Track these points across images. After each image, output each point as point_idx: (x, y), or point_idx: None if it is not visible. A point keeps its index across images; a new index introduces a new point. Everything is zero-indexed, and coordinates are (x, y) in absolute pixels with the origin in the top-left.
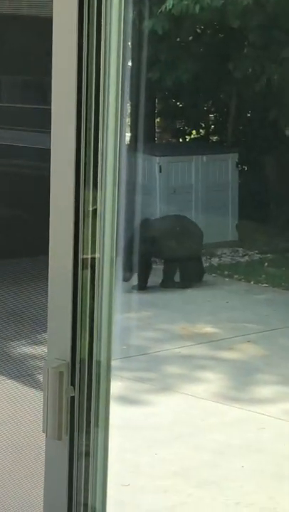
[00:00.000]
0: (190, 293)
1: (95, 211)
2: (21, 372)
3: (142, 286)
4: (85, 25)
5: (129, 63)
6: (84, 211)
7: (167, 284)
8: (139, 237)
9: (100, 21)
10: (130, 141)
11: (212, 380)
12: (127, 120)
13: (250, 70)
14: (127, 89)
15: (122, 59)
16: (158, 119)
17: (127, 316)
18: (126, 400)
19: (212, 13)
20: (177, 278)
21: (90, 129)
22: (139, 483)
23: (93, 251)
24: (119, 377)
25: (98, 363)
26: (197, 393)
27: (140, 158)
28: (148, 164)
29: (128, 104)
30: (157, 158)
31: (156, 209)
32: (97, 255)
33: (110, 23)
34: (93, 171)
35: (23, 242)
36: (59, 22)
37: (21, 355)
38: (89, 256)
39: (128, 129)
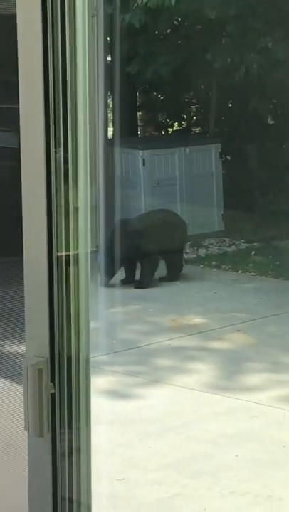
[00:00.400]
0: (178, 285)
1: (68, 208)
2: (14, 371)
3: (130, 281)
4: (49, 17)
5: (109, 58)
6: (56, 208)
7: (145, 281)
8: (121, 234)
9: (64, 13)
10: (113, 135)
11: (203, 371)
12: (109, 115)
13: (228, 60)
14: (104, 84)
15: (90, 52)
16: (140, 113)
17: (115, 310)
18: (117, 394)
19: (188, 5)
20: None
21: (58, 125)
22: (133, 477)
23: (68, 248)
24: (110, 372)
25: (77, 358)
26: (188, 384)
27: (123, 152)
28: (131, 158)
29: (109, 99)
30: (140, 152)
31: (140, 202)
32: (72, 252)
33: (75, 14)
34: (64, 168)
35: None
36: (23, 18)
37: (11, 353)
38: (63, 253)
39: (110, 123)
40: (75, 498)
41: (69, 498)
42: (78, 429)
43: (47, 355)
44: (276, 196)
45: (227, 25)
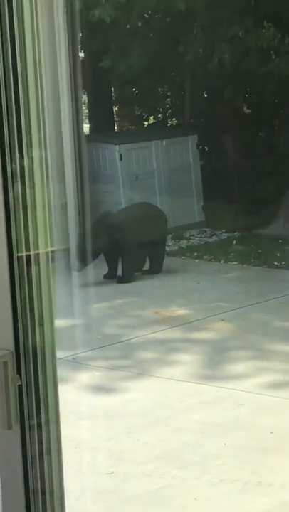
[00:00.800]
0: (160, 278)
1: (27, 208)
2: None
3: (113, 275)
4: None
5: (81, 54)
6: (15, 209)
7: (127, 276)
8: (101, 229)
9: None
10: (90, 131)
11: (188, 362)
12: (85, 111)
13: (200, 50)
14: (78, 80)
15: (54, 49)
16: (116, 108)
17: (99, 306)
18: (104, 389)
19: None
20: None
21: (12, 126)
22: (122, 470)
23: (28, 248)
24: (96, 367)
25: (43, 350)
26: (174, 376)
27: (100, 147)
28: (108, 153)
29: (84, 95)
30: (117, 147)
31: (119, 197)
32: (32, 252)
33: (23, 12)
34: (20, 168)
35: None
36: None
37: None
38: (24, 254)
39: (86, 119)
40: (47, 489)
41: (41, 490)
42: (47, 419)
43: (11, 347)
44: (255, 185)
45: (197, 16)
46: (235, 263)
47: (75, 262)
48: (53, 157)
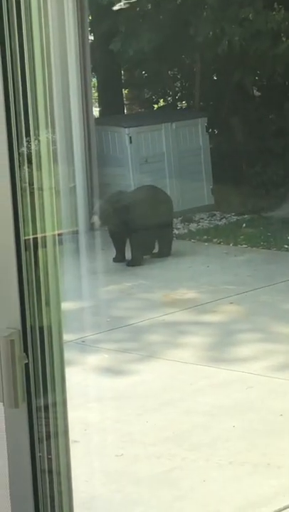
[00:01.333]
0: (170, 261)
1: (33, 190)
2: None
3: (122, 259)
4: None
5: (91, 37)
6: (22, 192)
7: (136, 259)
8: (111, 211)
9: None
10: (99, 114)
11: (198, 345)
12: (95, 94)
13: (210, 33)
14: (87, 63)
15: (64, 32)
16: (126, 91)
17: (108, 288)
18: (113, 371)
19: None
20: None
21: (19, 109)
22: (132, 452)
23: (35, 231)
24: (105, 349)
25: (50, 330)
26: (184, 358)
27: (109, 130)
28: (118, 136)
29: (94, 78)
30: (126, 130)
31: (129, 180)
32: (39, 235)
33: None
34: (27, 151)
35: None
36: None
37: None
38: (31, 237)
39: (96, 102)
40: (54, 469)
41: (48, 470)
42: (54, 398)
43: (19, 326)
44: (264, 167)
45: None
46: (244, 246)
47: None
48: (62, 140)
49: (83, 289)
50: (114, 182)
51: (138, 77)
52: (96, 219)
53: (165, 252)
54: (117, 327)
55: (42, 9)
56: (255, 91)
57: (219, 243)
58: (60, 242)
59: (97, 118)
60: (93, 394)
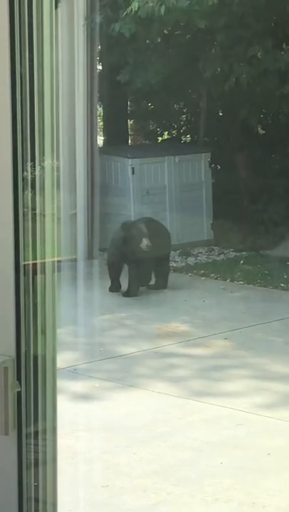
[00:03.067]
0: (166, 293)
1: (35, 216)
2: None
3: (117, 288)
4: (17, 33)
5: (99, 67)
6: (24, 217)
7: (132, 290)
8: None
9: (32, 30)
10: (103, 143)
11: (189, 379)
12: (100, 123)
13: (218, 69)
14: (94, 93)
15: (73, 60)
16: (131, 122)
17: (103, 318)
18: (103, 401)
19: (178, 14)
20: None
21: (26, 136)
22: (118, 484)
23: (35, 257)
24: (96, 379)
25: (44, 358)
26: (174, 392)
27: (113, 160)
28: (121, 166)
29: (100, 108)
30: (130, 160)
31: (130, 211)
32: (38, 261)
33: (42, 27)
34: (31, 177)
35: None
36: None
37: None
38: (30, 262)
39: (101, 132)
40: (41, 497)
41: (35, 498)
42: (44, 427)
43: (13, 354)
44: (265, 205)
45: (217, 34)
46: (241, 282)
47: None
48: (65, 167)
49: (78, 317)
50: (115, 212)
51: (144, 109)
52: (147, 241)
53: (161, 285)
54: (110, 357)
55: (53, 37)
56: (259, 129)
57: (216, 278)
58: (58, 269)
59: (101, 147)
60: (82, 423)
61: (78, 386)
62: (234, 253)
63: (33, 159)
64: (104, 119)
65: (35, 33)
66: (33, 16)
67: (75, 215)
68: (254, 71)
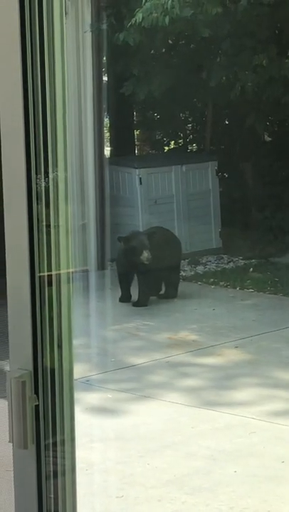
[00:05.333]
0: (176, 302)
1: (49, 227)
2: None
3: (127, 299)
4: (28, 44)
5: (105, 78)
6: (38, 228)
7: (143, 300)
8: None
9: (43, 38)
10: (110, 154)
11: (200, 387)
12: (106, 134)
13: (224, 78)
14: (100, 103)
15: (79, 71)
16: (137, 132)
17: (114, 328)
18: (116, 412)
19: (182, 24)
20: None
21: (39, 147)
22: (132, 494)
23: (49, 268)
24: (109, 390)
25: (61, 371)
26: (186, 401)
27: (120, 171)
28: (128, 177)
29: (106, 118)
30: (137, 171)
31: (138, 221)
32: (53, 272)
33: (53, 38)
34: (45, 189)
35: None
36: (1, 38)
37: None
38: (45, 273)
39: (108, 142)
40: (60, 510)
41: (54, 511)
42: (62, 440)
43: (30, 367)
44: (273, 212)
45: (221, 43)
46: (251, 290)
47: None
48: (73, 178)
49: (89, 328)
50: (124, 222)
51: (150, 119)
52: (148, 253)
53: (171, 294)
54: (121, 367)
55: (64, 48)
56: (266, 137)
57: (226, 286)
58: (72, 280)
59: (108, 158)
60: (95, 434)
61: (91, 397)
62: (243, 261)
63: (46, 172)
64: (111, 130)
65: (46, 44)
66: (44, 28)
67: (83, 225)
68: (259, 79)
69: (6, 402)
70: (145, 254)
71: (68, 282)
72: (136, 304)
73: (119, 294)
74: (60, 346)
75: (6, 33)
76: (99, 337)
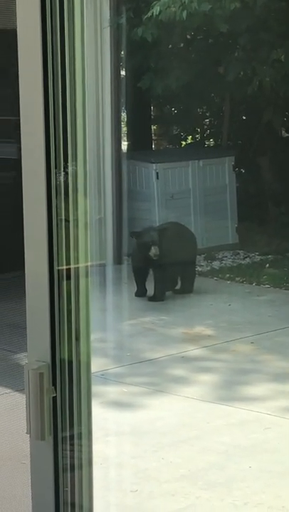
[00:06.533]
0: (192, 297)
1: (69, 222)
2: None
3: (143, 293)
4: (49, 34)
5: (123, 72)
6: (57, 222)
7: (158, 295)
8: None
9: (64, 30)
10: (127, 149)
11: (216, 383)
12: (124, 128)
13: (241, 73)
14: (118, 98)
15: (98, 66)
16: (154, 126)
17: (130, 323)
18: (131, 406)
19: (200, 19)
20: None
21: (58, 141)
22: (147, 488)
23: (68, 262)
24: (124, 384)
25: (78, 362)
26: (202, 396)
27: (137, 165)
28: (145, 171)
29: (124, 113)
30: (154, 165)
31: (154, 215)
32: (72, 266)
33: (74, 30)
34: (64, 182)
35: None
36: (23, 32)
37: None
38: (64, 267)
39: (125, 137)
40: (77, 502)
41: (71, 503)
42: (80, 432)
43: (48, 359)
44: None
45: (239, 38)
46: (267, 286)
47: None
48: (90, 173)
49: (104, 322)
50: (140, 216)
51: (167, 114)
52: (156, 249)
53: (187, 289)
54: (137, 362)
55: (84, 41)
56: (283, 132)
57: (242, 282)
58: (90, 274)
59: (125, 152)
60: (110, 428)
61: (106, 391)
62: (259, 256)
63: (65, 166)
64: (128, 124)
65: (66, 38)
66: (64, 22)
67: (100, 220)
68: (277, 74)
69: (17, 396)
70: (153, 250)
71: (86, 276)
72: (152, 299)
73: (134, 288)
74: (77, 339)
75: (27, 29)
76: (114, 331)
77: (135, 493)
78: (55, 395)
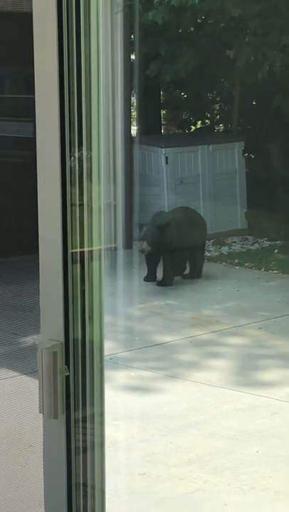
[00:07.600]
0: (200, 282)
1: (83, 206)
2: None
3: (152, 278)
4: (65, 18)
5: (132, 56)
6: (71, 206)
7: (167, 279)
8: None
9: (79, 14)
10: (136, 133)
11: (224, 368)
12: (133, 113)
13: (252, 58)
14: (127, 83)
15: (111, 50)
16: (164, 111)
17: (138, 307)
18: (139, 390)
19: (212, 3)
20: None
21: (73, 125)
22: (154, 472)
23: (82, 245)
24: (132, 368)
25: (91, 342)
26: (210, 381)
27: (146, 150)
28: (154, 156)
29: (133, 98)
30: (163, 150)
31: (163, 200)
32: (85, 248)
33: (89, 14)
34: (78, 167)
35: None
36: (39, 19)
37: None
38: (78, 250)
39: (134, 121)
40: (89, 482)
41: (83, 483)
42: (92, 411)
43: (62, 338)
44: None
45: (250, 22)
46: (276, 272)
47: None
48: (103, 158)
49: (114, 306)
50: (149, 201)
51: (177, 98)
52: (145, 245)
53: (196, 274)
54: (145, 346)
55: (100, 26)
56: None
57: (250, 267)
58: (103, 257)
59: (135, 137)
60: (118, 412)
61: (115, 375)
62: (268, 242)
63: (79, 151)
64: (138, 109)
65: (82, 24)
66: (80, 7)
67: (109, 204)
68: (287, 59)
69: (24, 379)
70: (163, 235)
71: (99, 258)
72: (160, 284)
73: (144, 273)
74: (91, 319)
75: (44, 13)
76: (123, 315)
77: (143, 477)
78: (68, 374)
